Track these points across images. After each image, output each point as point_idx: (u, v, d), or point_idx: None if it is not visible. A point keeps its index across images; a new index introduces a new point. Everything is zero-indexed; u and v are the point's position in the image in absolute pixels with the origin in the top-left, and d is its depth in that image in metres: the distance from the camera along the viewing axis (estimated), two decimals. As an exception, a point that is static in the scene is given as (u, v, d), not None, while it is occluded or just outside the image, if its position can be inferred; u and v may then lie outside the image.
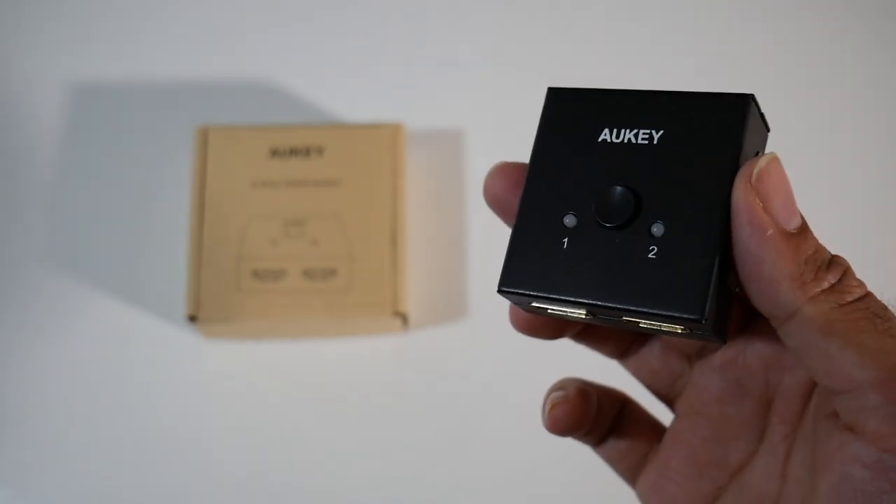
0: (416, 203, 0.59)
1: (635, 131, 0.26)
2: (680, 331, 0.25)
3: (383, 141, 0.57)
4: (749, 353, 0.29)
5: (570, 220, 0.26)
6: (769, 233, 0.23)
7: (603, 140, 0.27)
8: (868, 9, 0.65)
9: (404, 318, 0.55)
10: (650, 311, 0.25)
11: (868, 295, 0.24)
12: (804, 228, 0.24)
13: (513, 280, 0.27)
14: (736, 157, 0.25)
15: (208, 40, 0.65)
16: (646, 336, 0.32)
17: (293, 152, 0.57)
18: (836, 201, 0.60)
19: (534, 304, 0.27)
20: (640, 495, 0.32)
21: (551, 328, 0.29)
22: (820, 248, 0.24)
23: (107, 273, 0.59)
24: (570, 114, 0.28)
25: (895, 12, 0.65)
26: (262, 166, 0.57)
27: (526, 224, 0.27)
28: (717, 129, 0.25)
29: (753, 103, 0.26)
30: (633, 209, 0.25)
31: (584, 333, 0.31)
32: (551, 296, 0.26)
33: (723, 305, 0.25)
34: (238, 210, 0.56)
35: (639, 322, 0.26)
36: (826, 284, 0.24)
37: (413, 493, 0.55)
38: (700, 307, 0.24)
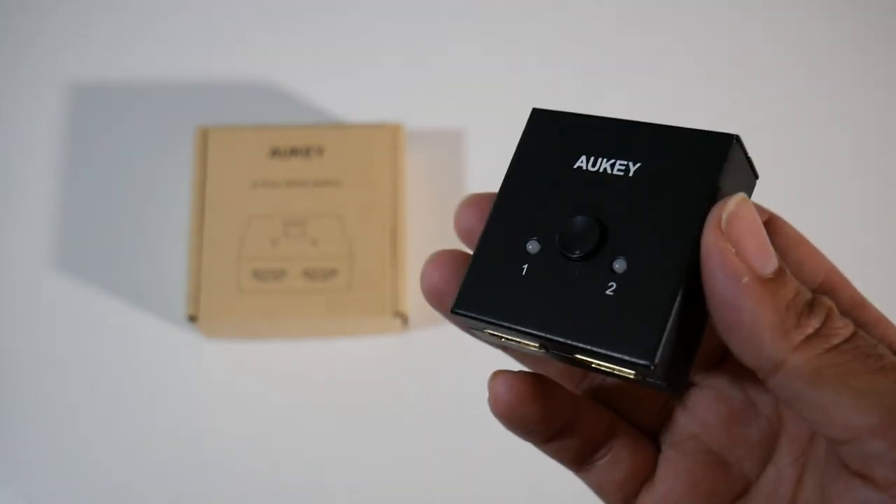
0: (416, 203, 0.59)
1: (612, 161, 0.25)
2: (632, 376, 0.24)
3: (383, 141, 0.57)
4: None
5: (532, 247, 0.25)
6: (745, 280, 0.22)
7: (578, 167, 0.26)
8: (868, 7, 0.65)
9: (404, 318, 0.55)
10: (598, 350, 0.23)
11: (855, 334, 0.23)
12: (781, 271, 0.23)
13: (468, 303, 0.26)
14: (709, 199, 0.23)
15: (208, 40, 0.65)
16: None
17: (293, 152, 0.57)
18: (836, 201, 0.60)
19: (488, 332, 0.26)
20: None
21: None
22: (800, 291, 0.23)
23: (107, 273, 0.59)
24: (549, 137, 0.27)
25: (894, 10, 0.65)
26: (262, 166, 0.57)
27: (488, 246, 0.26)
28: (695, 168, 0.24)
29: (737, 144, 0.24)
30: (596, 241, 0.24)
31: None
32: (503, 323, 0.25)
33: (680, 356, 0.24)
34: (238, 210, 0.56)
35: (591, 362, 0.24)
36: (810, 330, 0.22)
37: (413, 492, 0.55)
38: (650, 352, 0.23)
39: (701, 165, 0.24)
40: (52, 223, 0.61)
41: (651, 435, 0.29)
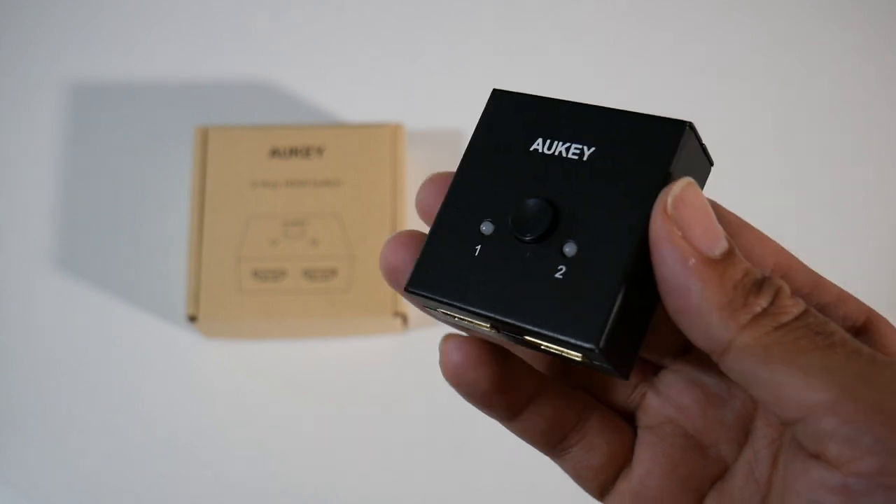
0: (416, 203, 0.59)
1: (567, 145, 0.26)
2: (579, 359, 0.24)
3: (383, 141, 0.57)
4: None
5: (486, 228, 0.26)
6: (691, 262, 0.22)
7: (535, 150, 0.26)
8: (870, 6, 0.65)
9: (404, 318, 0.55)
10: (544, 332, 0.23)
11: (806, 311, 0.22)
12: (730, 252, 0.23)
13: (421, 282, 0.26)
14: (660, 184, 0.24)
15: (208, 40, 0.65)
16: None
17: (293, 152, 0.57)
18: (837, 200, 0.60)
19: (441, 311, 0.26)
20: None
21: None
22: (749, 271, 0.23)
23: (107, 273, 0.59)
24: (508, 119, 0.27)
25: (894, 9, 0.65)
26: (262, 166, 0.57)
27: (443, 226, 0.26)
28: (648, 154, 0.24)
29: (690, 131, 0.24)
30: (548, 224, 0.24)
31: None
32: (453, 303, 0.25)
33: (627, 339, 0.24)
34: (238, 210, 0.56)
35: (540, 344, 0.25)
36: (758, 309, 0.22)
37: (413, 492, 0.55)
38: (595, 335, 0.23)
39: (654, 151, 0.24)
40: (51, 223, 0.61)
41: (628, 417, 0.29)
